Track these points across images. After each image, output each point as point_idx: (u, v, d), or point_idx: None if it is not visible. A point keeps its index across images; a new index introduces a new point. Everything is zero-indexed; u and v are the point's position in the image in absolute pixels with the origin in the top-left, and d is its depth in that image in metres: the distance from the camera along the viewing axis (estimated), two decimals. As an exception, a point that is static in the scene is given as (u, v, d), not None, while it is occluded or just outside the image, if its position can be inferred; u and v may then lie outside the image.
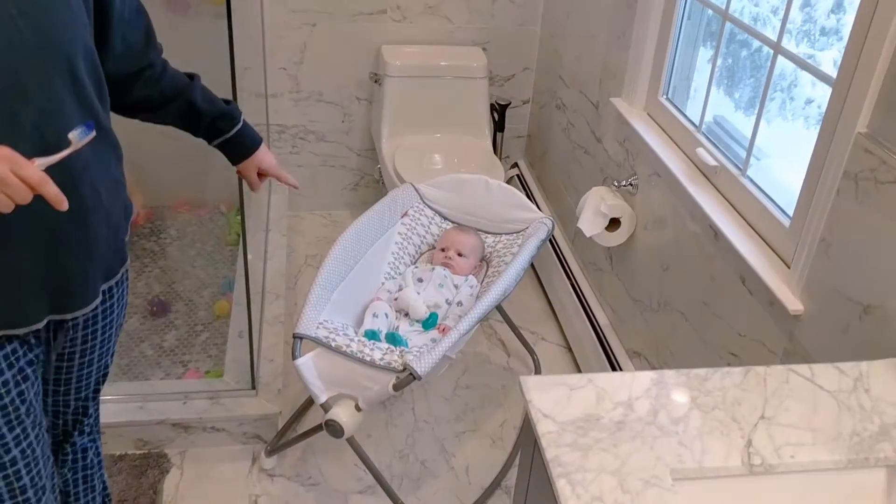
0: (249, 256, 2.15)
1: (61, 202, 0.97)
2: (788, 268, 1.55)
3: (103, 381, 1.46)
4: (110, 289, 1.31)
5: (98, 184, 1.17)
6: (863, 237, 1.32)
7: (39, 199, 0.98)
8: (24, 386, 1.20)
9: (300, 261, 2.99)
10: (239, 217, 2.18)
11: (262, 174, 1.59)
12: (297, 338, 1.75)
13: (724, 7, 1.85)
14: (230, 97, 1.77)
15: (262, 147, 1.55)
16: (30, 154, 0.97)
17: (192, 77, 1.43)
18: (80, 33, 1.09)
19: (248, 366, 2.17)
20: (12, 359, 1.18)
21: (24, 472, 1.22)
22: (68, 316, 1.22)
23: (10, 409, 1.18)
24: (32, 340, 1.22)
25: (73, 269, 1.18)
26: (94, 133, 1.07)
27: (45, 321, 1.19)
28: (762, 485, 0.99)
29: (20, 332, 1.16)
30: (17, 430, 1.19)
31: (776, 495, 0.99)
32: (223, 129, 1.46)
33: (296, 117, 3.06)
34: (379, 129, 2.91)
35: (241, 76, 1.80)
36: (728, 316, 1.73)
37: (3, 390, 1.17)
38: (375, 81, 2.96)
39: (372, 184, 3.26)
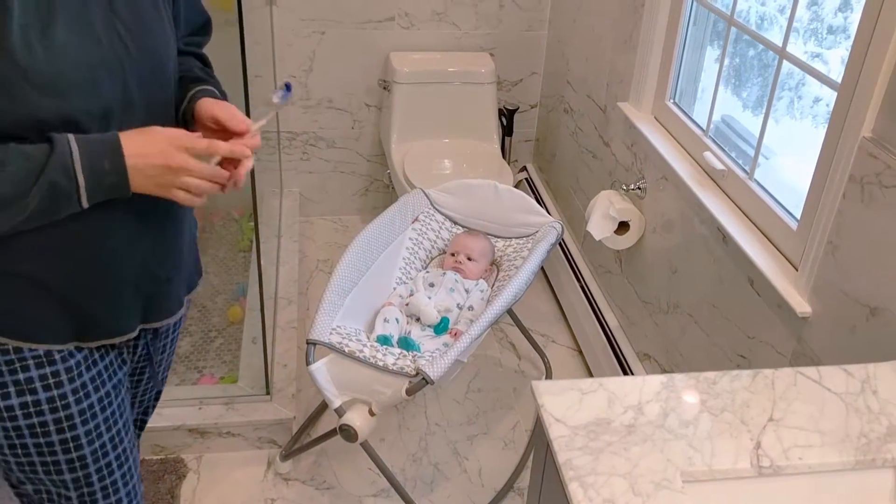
0: (262, 262, 2.18)
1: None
2: (796, 270, 1.56)
3: (161, 392, 1.50)
4: (187, 299, 1.35)
5: None
6: (869, 240, 1.34)
7: (143, 208, 1.08)
8: (122, 397, 1.25)
9: (312, 266, 3.02)
10: (251, 223, 2.21)
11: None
12: (311, 343, 1.77)
13: (729, 12, 1.87)
14: (242, 105, 1.80)
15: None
16: None
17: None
18: (173, 50, 1.14)
19: (262, 371, 2.19)
20: (113, 368, 1.22)
21: (117, 471, 1.26)
22: (157, 325, 1.26)
23: (111, 419, 1.22)
24: (125, 350, 1.26)
25: (163, 278, 1.22)
26: (290, 94, 1.11)
27: (137, 330, 1.22)
28: (771, 486, 1.01)
29: (117, 341, 1.19)
30: (113, 431, 1.24)
31: (785, 497, 1.01)
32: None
33: (306, 124, 3.09)
34: (388, 134, 2.94)
35: (251, 84, 1.82)
36: (737, 318, 1.75)
37: (105, 401, 1.21)
38: (384, 88, 2.99)
39: (382, 189, 3.29)
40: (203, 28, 1.30)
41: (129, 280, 1.15)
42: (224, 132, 1.15)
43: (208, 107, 1.16)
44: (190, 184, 1.04)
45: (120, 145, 0.99)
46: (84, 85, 0.99)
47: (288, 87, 1.09)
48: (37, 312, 1.10)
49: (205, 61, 1.32)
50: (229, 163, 1.10)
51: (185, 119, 1.20)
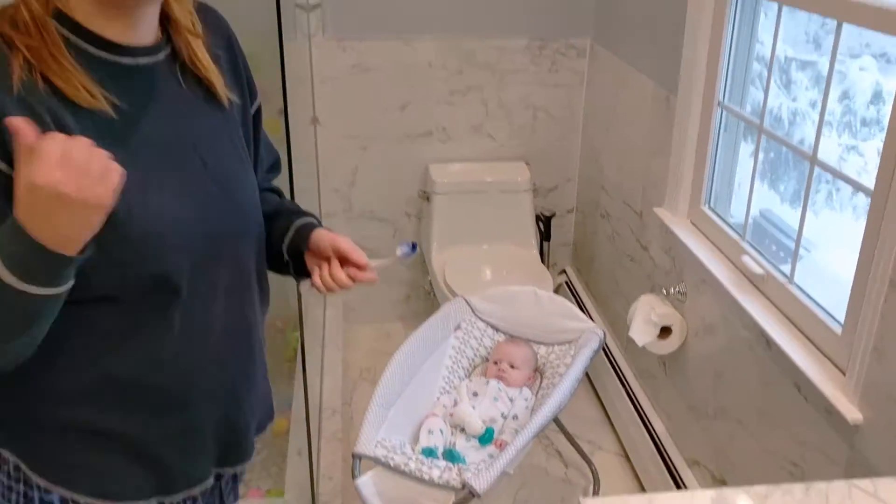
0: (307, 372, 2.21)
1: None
2: (844, 375, 1.54)
3: None
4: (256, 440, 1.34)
5: (261, 335, 1.23)
6: (915, 345, 1.33)
7: (220, 357, 1.09)
8: None
9: (355, 375, 3.04)
10: (296, 333, 2.25)
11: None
12: (357, 457, 1.78)
13: (759, 112, 1.91)
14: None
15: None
16: (223, 321, 1.09)
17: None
18: (257, 197, 1.17)
19: (308, 484, 2.19)
20: None
21: None
22: (232, 471, 1.24)
23: None
24: (199, 496, 1.23)
25: (240, 423, 1.21)
26: (415, 254, 1.17)
27: (212, 477, 1.20)
28: None
29: (196, 491, 1.18)
30: None
31: None
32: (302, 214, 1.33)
33: (348, 234, 3.13)
34: (429, 242, 3.00)
35: (297, 198, 1.90)
36: (786, 424, 1.72)
37: None
38: (425, 198, 3.08)
39: (423, 296, 3.33)
40: (275, 165, 1.35)
41: (207, 428, 1.15)
42: (341, 261, 1.23)
43: (330, 237, 1.22)
44: (69, 158, 0.82)
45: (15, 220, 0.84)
46: (179, 244, 1.00)
47: (414, 246, 1.16)
48: (119, 468, 1.09)
49: (280, 195, 1.36)
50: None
51: (294, 249, 1.24)
